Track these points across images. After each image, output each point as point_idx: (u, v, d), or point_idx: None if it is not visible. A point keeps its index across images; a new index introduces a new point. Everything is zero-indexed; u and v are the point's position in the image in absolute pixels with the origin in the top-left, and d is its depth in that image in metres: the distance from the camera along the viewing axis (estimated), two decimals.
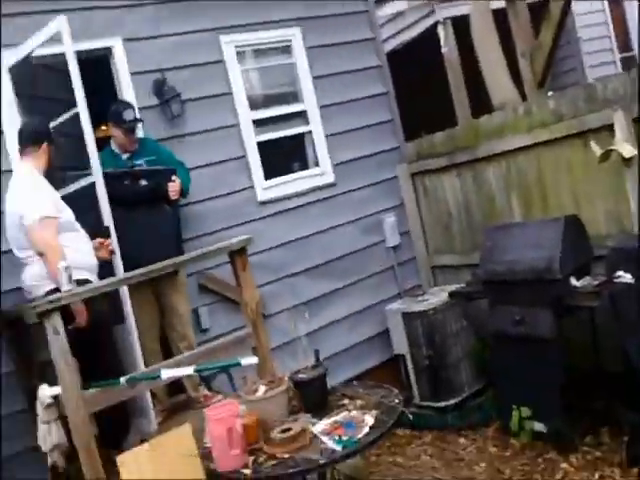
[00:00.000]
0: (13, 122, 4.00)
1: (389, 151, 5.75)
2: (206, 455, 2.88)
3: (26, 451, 3.55)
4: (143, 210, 4.09)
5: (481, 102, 6.54)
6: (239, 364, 3.00)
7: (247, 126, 5.01)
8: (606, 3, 9.86)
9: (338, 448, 2.68)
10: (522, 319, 4.17)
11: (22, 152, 3.66)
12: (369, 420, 2.82)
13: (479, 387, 4.95)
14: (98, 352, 3.52)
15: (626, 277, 3.60)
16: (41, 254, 3.42)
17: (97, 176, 3.83)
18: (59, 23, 3.79)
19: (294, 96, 5.41)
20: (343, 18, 5.57)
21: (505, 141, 4.91)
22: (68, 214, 3.59)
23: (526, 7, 6.75)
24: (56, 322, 3.06)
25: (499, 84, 6.01)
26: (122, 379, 3.19)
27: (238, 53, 5.05)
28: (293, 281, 4.91)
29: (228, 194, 4.80)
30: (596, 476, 3.73)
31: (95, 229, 3.77)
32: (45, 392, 3.29)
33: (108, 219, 3.83)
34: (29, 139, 3.64)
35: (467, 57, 6.52)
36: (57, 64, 4.05)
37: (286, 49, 5.36)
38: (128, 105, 4.27)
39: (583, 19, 9.28)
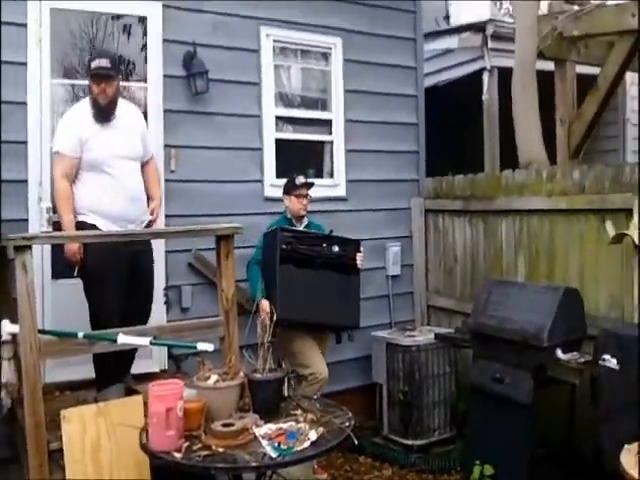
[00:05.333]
0: None
1: (407, 182, 5.80)
2: (146, 430, 2.86)
3: None
4: (330, 274, 4.49)
5: (511, 156, 6.55)
6: (195, 347, 2.96)
7: (269, 120, 5.06)
8: None
9: (273, 454, 2.64)
10: (502, 378, 4.15)
11: None
12: (312, 435, 2.78)
13: (449, 435, 5.00)
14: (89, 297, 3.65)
15: (612, 362, 3.56)
16: None
17: None
18: None
19: (323, 104, 5.48)
20: (388, 40, 5.65)
21: (523, 200, 4.94)
22: (98, 154, 3.69)
23: (574, 74, 6.79)
24: (26, 259, 3.07)
25: (529, 143, 6.03)
26: (80, 333, 3.17)
27: (275, 48, 5.12)
28: None
29: (236, 182, 4.86)
30: None
31: None
32: (5, 328, 3.29)
33: None
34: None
35: (507, 109, 6.54)
36: None
37: (324, 56, 5.44)
38: (299, 174, 4.72)
39: (632, 102, 9.25)
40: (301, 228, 4.64)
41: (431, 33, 7.46)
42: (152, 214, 3.90)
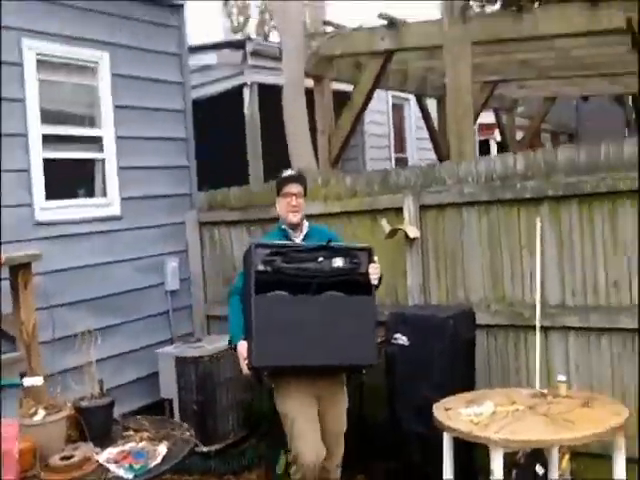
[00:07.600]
0: None
1: (181, 196, 5.92)
2: None
3: None
4: (331, 297, 3.46)
5: (273, 167, 6.94)
6: (20, 384, 2.78)
7: (36, 139, 4.79)
8: (390, 106, 11.23)
9: (129, 476, 2.64)
10: None
11: None
12: (162, 450, 2.83)
13: (244, 434, 5.19)
14: None
15: (402, 339, 4.16)
16: None
17: None
18: None
19: (91, 120, 5.33)
20: (155, 55, 5.71)
21: None
22: None
23: (331, 91, 7.45)
24: None
25: (302, 153, 6.50)
26: None
27: (39, 61, 4.86)
28: (62, 311, 4.62)
29: (2, 207, 4.47)
30: None
31: None
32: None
33: None
34: None
35: (268, 122, 6.93)
36: None
37: (91, 70, 5.29)
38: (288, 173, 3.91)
39: (369, 115, 10.29)
40: (299, 240, 3.70)
41: (189, 48, 7.61)
42: None
